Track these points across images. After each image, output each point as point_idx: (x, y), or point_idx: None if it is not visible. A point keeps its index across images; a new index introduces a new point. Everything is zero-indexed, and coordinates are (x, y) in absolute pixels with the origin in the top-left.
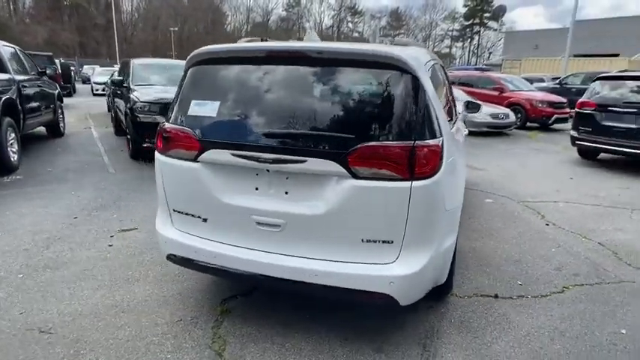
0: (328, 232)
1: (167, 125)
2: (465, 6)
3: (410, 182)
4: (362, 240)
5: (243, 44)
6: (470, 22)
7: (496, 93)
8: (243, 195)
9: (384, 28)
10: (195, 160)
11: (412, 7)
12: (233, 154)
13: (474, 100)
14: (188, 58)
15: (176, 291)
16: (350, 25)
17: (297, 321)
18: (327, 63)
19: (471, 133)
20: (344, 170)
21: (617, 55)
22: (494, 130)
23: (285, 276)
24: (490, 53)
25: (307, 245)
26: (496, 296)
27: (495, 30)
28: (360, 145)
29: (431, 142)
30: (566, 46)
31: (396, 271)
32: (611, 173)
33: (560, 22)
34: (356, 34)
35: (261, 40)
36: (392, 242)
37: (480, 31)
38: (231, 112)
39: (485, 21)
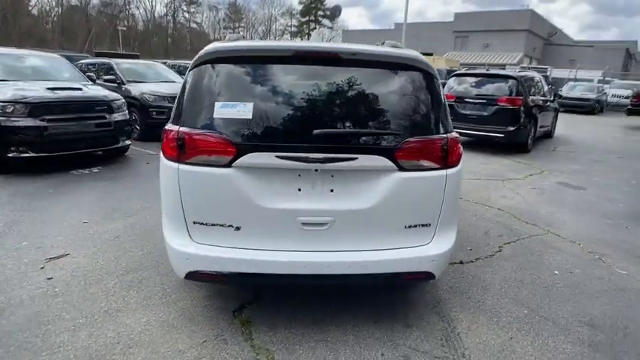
0: (375, 223)
1: (186, 130)
2: (301, 3)
3: (445, 170)
4: (405, 226)
5: (265, 43)
6: (306, 18)
7: None
8: (285, 197)
9: (223, 20)
10: (228, 165)
11: (250, 1)
12: (278, 157)
13: None
14: (199, 55)
15: (175, 313)
16: (187, 14)
17: (323, 316)
18: (359, 64)
19: None
20: (392, 164)
21: (431, 54)
22: None
23: (335, 271)
24: None
25: (355, 239)
26: (461, 262)
27: (330, 28)
28: (406, 140)
29: (454, 134)
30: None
31: (434, 250)
32: (474, 153)
33: (379, 23)
34: (194, 25)
35: (242, 38)
36: (429, 225)
37: (316, 28)
38: (267, 113)
39: (320, 19)
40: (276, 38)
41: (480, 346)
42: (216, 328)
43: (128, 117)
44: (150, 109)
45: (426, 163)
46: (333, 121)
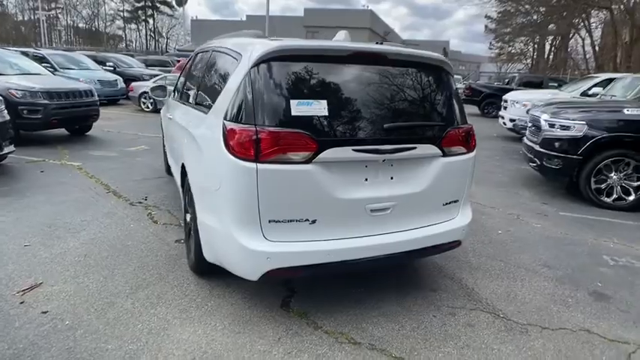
0: (424, 203)
1: (266, 128)
2: None
3: (471, 154)
4: (443, 204)
5: (323, 42)
6: (141, 3)
7: None
8: (356, 187)
9: (33, 1)
10: (309, 161)
11: None
12: (354, 150)
13: None
14: (261, 53)
15: (226, 320)
16: None
17: (360, 297)
18: (400, 64)
19: None
20: (439, 151)
21: None
22: None
23: (399, 250)
24: (168, 39)
25: (411, 219)
26: None
27: (170, 16)
28: (448, 130)
29: (470, 124)
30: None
31: (462, 222)
32: None
33: (220, 13)
34: None
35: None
36: (457, 201)
37: (154, 15)
38: (337, 109)
39: (158, 4)
40: (106, 24)
41: (493, 295)
42: (281, 324)
43: (8, 118)
44: (19, 108)
45: (460, 149)
46: (395, 115)
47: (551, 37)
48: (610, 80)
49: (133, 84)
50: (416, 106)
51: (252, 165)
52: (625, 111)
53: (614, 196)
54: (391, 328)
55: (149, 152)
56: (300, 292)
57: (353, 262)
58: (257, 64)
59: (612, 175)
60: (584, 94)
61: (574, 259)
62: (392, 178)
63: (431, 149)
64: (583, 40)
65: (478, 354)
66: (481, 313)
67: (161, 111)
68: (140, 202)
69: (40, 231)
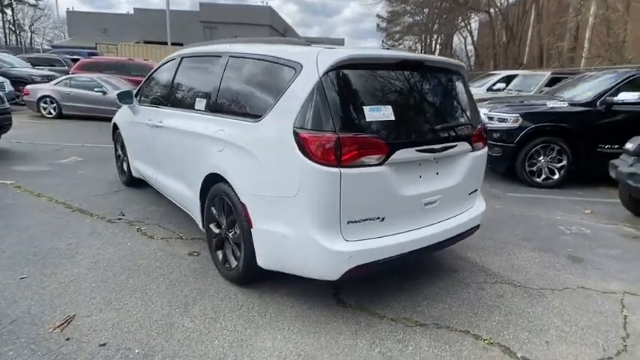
0: (458, 194)
1: (347, 134)
2: None
3: (486, 147)
4: (469, 193)
5: (381, 51)
6: None
7: None
8: (414, 185)
9: None
10: (382, 163)
11: None
12: (418, 150)
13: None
14: (333, 61)
15: (297, 323)
16: None
17: (403, 285)
18: (434, 70)
19: None
20: (470, 147)
21: (181, 44)
22: None
23: (445, 237)
24: (33, 33)
25: (450, 209)
26: None
27: (33, 6)
28: (475, 128)
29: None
30: (167, 33)
31: (480, 208)
32: None
33: (91, 5)
34: None
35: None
36: (477, 190)
37: (12, 4)
38: (399, 113)
39: None
40: None
41: (501, 269)
42: (348, 319)
43: None
44: None
45: (481, 144)
46: (439, 117)
47: (436, 36)
48: (510, 77)
49: (28, 87)
50: (450, 108)
51: (336, 170)
52: (548, 104)
53: (543, 176)
54: (442, 308)
55: (87, 164)
56: (343, 289)
57: (416, 252)
58: (327, 72)
59: (541, 158)
60: (490, 89)
61: (541, 232)
62: (437, 173)
63: (465, 146)
64: (465, 39)
65: (521, 318)
66: (503, 285)
67: (118, 118)
68: (119, 219)
69: (27, 260)
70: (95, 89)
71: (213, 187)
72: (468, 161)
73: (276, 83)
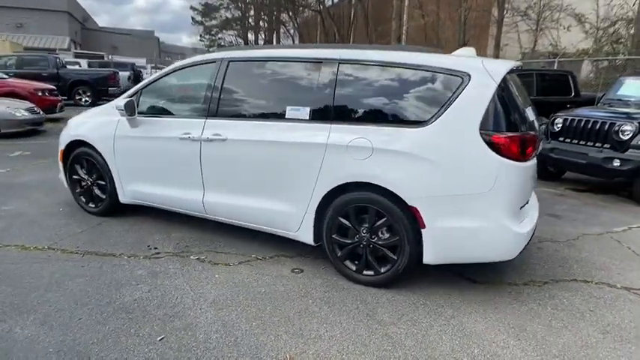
0: None
1: (529, 134)
2: None
3: None
4: None
5: (512, 61)
6: None
7: None
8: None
9: None
10: (535, 156)
11: None
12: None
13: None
14: (506, 70)
15: (360, 315)
16: None
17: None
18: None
19: None
20: None
21: None
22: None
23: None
24: None
25: None
26: None
27: None
28: None
29: None
30: None
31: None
32: None
33: None
34: None
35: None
36: None
37: None
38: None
39: None
40: None
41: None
42: (396, 310)
43: None
44: None
45: None
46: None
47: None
48: None
49: None
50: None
51: (524, 164)
52: None
53: None
54: (488, 301)
55: (41, 189)
56: (464, 271)
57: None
58: (502, 80)
59: None
60: None
61: None
62: None
63: None
64: (292, 36)
65: (563, 301)
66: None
67: (90, 134)
68: (158, 253)
69: (135, 322)
70: None
71: (341, 196)
72: None
73: (438, 91)
